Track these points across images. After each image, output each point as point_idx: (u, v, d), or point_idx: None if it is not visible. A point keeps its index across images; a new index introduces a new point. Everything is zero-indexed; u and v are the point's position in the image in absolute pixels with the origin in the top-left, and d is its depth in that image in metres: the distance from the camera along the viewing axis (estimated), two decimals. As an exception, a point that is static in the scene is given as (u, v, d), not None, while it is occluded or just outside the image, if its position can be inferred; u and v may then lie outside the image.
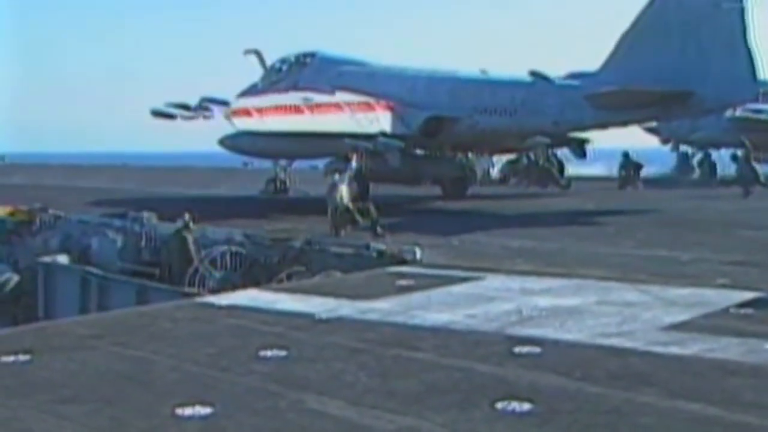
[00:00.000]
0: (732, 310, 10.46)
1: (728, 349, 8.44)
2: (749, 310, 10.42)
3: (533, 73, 28.47)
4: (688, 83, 23.96)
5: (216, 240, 20.28)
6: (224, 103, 26.73)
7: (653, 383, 7.34)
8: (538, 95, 27.99)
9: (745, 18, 23.68)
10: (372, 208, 20.52)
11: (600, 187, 35.97)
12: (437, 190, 32.78)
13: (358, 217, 20.36)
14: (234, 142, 29.46)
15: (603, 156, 39.09)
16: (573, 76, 29.24)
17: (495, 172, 41.92)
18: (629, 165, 37.76)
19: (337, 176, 21.58)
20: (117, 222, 23.62)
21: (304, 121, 27.14)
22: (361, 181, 25.57)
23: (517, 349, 8.58)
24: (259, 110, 26.57)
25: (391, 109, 29.48)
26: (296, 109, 27.46)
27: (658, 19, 25.20)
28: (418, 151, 31.30)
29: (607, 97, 25.62)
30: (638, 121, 32.13)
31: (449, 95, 29.80)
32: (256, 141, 28.38)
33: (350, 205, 20.58)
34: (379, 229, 19.70)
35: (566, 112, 27.40)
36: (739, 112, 35.66)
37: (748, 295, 11.34)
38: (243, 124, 26.24)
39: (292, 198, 34.02)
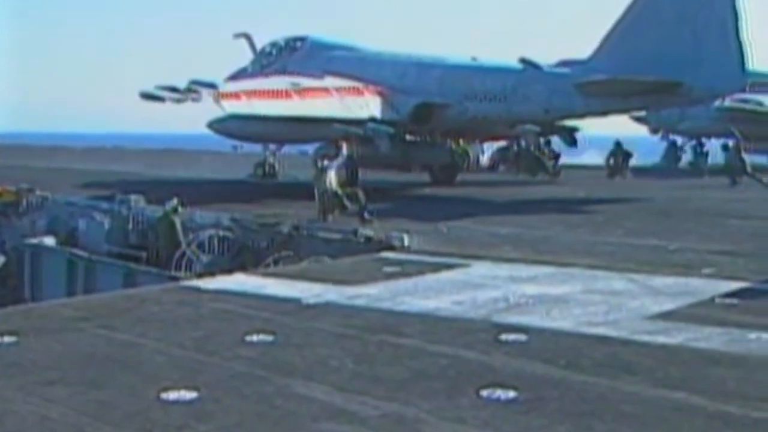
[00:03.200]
0: (718, 300, 10.50)
1: (713, 338, 8.48)
2: (734, 300, 10.47)
3: (523, 61, 28.45)
4: (679, 73, 23.98)
5: (204, 224, 20.25)
6: (213, 86, 26.62)
7: (638, 372, 7.38)
8: (528, 82, 27.96)
9: (736, 8, 23.72)
10: (360, 194, 20.51)
11: (589, 176, 35.99)
12: (427, 177, 32.75)
13: (347, 203, 20.35)
14: (223, 125, 29.43)
15: (592, 144, 39.13)
16: (563, 63, 29.24)
17: (484, 159, 41.90)
18: (618, 154, 37.81)
19: (326, 161, 21.56)
20: (104, 204, 23.55)
21: (293, 106, 27.07)
22: (350, 166, 25.56)
23: (503, 337, 8.60)
24: (248, 94, 26.49)
25: (381, 94, 29.43)
26: (285, 94, 27.39)
27: (650, 7, 25.21)
28: (408, 137, 31.26)
29: (598, 85, 25.63)
30: (628, 110, 32.22)
31: (439, 81, 29.75)
32: (245, 125, 28.35)
33: (338, 191, 20.57)
34: (367, 215, 19.69)
35: (556, 100, 27.38)
36: (727, 102, 35.74)
37: (734, 285, 11.39)
38: (232, 107, 26.17)
39: (281, 183, 33.94)
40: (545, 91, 27.54)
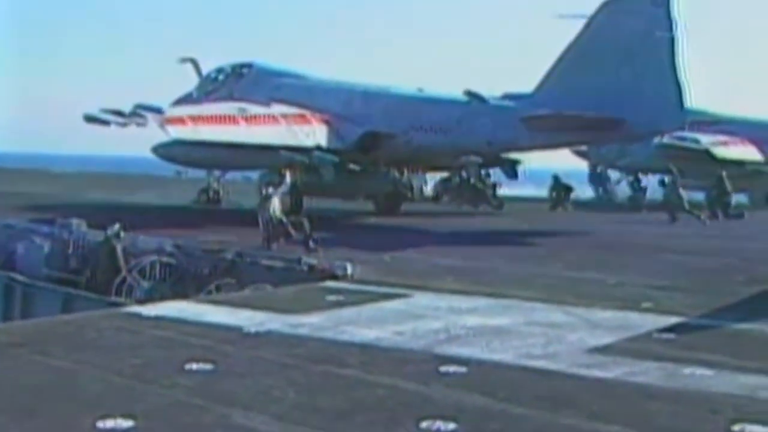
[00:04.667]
0: (655, 335, 10.67)
1: (649, 373, 8.62)
2: (671, 335, 10.65)
3: (468, 93, 28.76)
4: (620, 109, 24.43)
5: (146, 249, 20.03)
6: (158, 110, 26.48)
7: (576, 405, 7.47)
8: (473, 115, 28.27)
9: (675, 47, 24.30)
10: (305, 222, 20.49)
11: (531, 208, 36.43)
12: (371, 206, 32.83)
13: (292, 231, 20.32)
14: (167, 150, 29.25)
15: (535, 177, 39.66)
16: (508, 97, 29.63)
17: (428, 190, 42.18)
18: (560, 187, 38.36)
19: (271, 189, 21.53)
20: (44, 228, 23.17)
21: (239, 132, 27.02)
22: (295, 194, 25.54)
23: (443, 368, 8.64)
24: (194, 119, 26.40)
25: (327, 122, 29.51)
26: (231, 120, 27.34)
27: (593, 44, 25.68)
28: (353, 166, 31.36)
29: (541, 120, 26.01)
30: (570, 145, 32.77)
31: (385, 111, 29.94)
32: (189, 150, 28.21)
33: (283, 218, 20.54)
34: (311, 243, 19.67)
35: (500, 133, 27.72)
36: (666, 140, 36.44)
37: (671, 320, 11.59)
38: (177, 132, 26.05)
39: (225, 209, 33.79)
40: (490, 123, 27.86)
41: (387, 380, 8.21)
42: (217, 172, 35.89)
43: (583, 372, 8.63)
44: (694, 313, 12.22)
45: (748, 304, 13.55)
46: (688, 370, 8.68)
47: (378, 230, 26.91)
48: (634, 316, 11.98)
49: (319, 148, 28.35)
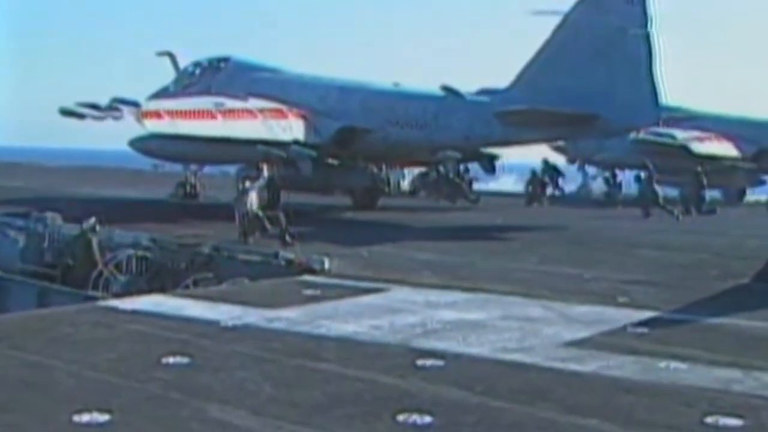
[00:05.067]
0: (630, 329, 10.77)
1: (624, 367, 8.70)
2: (645, 329, 10.74)
3: (445, 88, 28.79)
4: (595, 106, 24.52)
5: (122, 243, 19.93)
6: (135, 104, 26.33)
7: (552, 398, 7.52)
8: (449, 110, 28.29)
9: (650, 44, 24.43)
10: (282, 216, 20.46)
11: (508, 203, 36.52)
12: (349, 200, 32.81)
13: (268, 225, 20.30)
14: (144, 144, 29.02)
15: (512, 171, 39.75)
16: (484, 92, 29.67)
17: (405, 185, 42.18)
18: (536, 182, 38.49)
19: (247, 183, 21.49)
20: (19, 221, 22.98)
21: (216, 126, 26.91)
22: (272, 188, 25.48)
23: (420, 362, 8.68)
24: (171, 113, 26.26)
25: (305, 117, 29.46)
26: (209, 114, 27.22)
27: (568, 41, 25.74)
28: (330, 161, 31.31)
29: (517, 115, 26.04)
30: (547, 140, 32.82)
31: (362, 106, 29.92)
32: (166, 144, 28.00)
33: (259, 213, 20.51)
34: (288, 238, 19.65)
35: (477, 128, 27.75)
36: (642, 135, 36.58)
37: (646, 314, 11.70)
38: (154, 126, 25.91)
39: (202, 203, 33.65)
40: (466, 118, 27.89)
41: (364, 374, 8.24)
42: (193, 166, 35.70)
43: (560, 366, 8.70)
44: (669, 308, 12.35)
45: (722, 298, 13.70)
46: (662, 364, 8.77)
47: (355, 225, 26.91)
48: (609, 311, 12.09)
49: (296, 142, 28.30)
